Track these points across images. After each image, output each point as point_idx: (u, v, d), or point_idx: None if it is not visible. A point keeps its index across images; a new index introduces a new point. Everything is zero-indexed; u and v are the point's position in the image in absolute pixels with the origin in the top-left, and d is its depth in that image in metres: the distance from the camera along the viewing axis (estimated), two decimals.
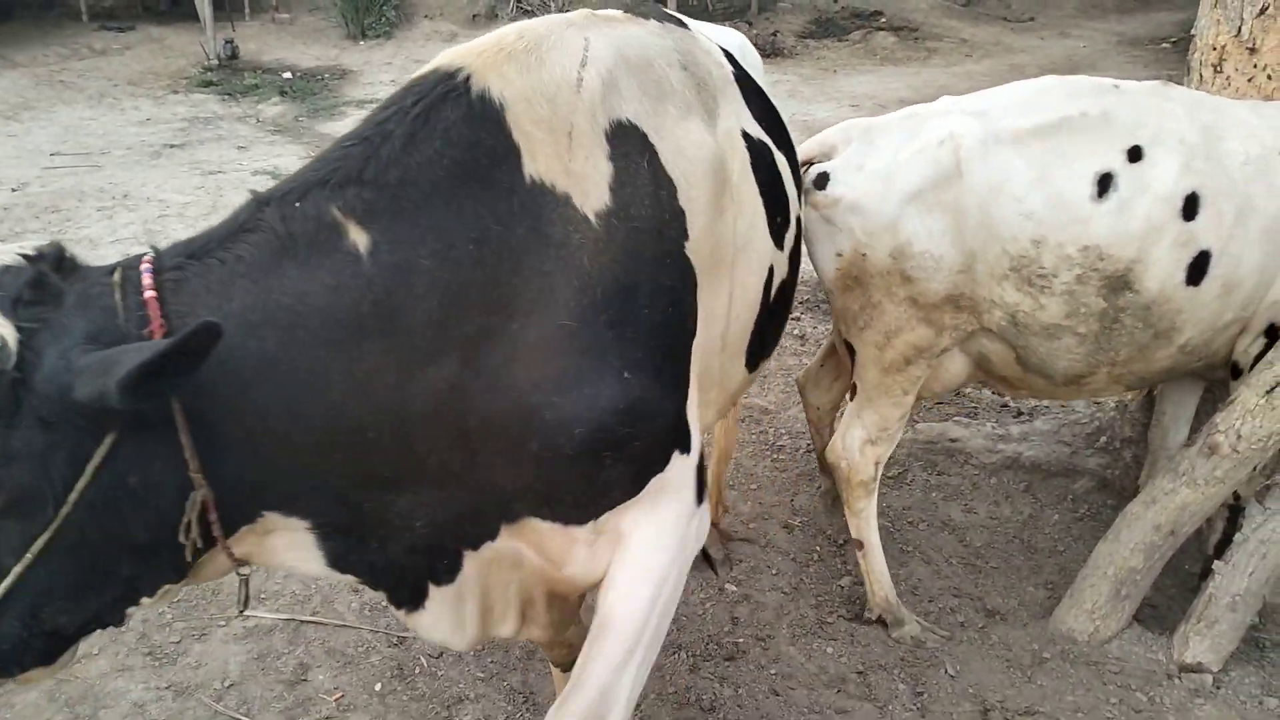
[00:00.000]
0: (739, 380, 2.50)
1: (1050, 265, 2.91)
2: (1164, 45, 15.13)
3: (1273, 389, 2.87)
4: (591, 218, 1.80)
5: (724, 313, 2.20)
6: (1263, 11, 3.42)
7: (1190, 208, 2.85)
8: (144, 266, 1.61)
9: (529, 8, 15.12)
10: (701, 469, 2.10)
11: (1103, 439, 4.26)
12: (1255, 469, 2.99)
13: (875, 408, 3.28)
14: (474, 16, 14.67)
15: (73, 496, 1.53)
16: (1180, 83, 3.80)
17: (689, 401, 2.01)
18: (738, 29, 15.20)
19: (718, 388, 2.35)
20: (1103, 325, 2.97)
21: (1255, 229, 2.89)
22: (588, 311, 1.76)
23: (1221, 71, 3.56)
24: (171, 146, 9.60)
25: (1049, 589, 3.60)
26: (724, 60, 2.47)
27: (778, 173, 2.43)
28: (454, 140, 1.74)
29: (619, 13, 2.20)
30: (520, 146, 1.78)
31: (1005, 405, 4.92)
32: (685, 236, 1.96)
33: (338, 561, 1.88)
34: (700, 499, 2.11)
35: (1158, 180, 2.86)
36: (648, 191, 1.89)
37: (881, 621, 3.42)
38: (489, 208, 1.73)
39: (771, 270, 2.38)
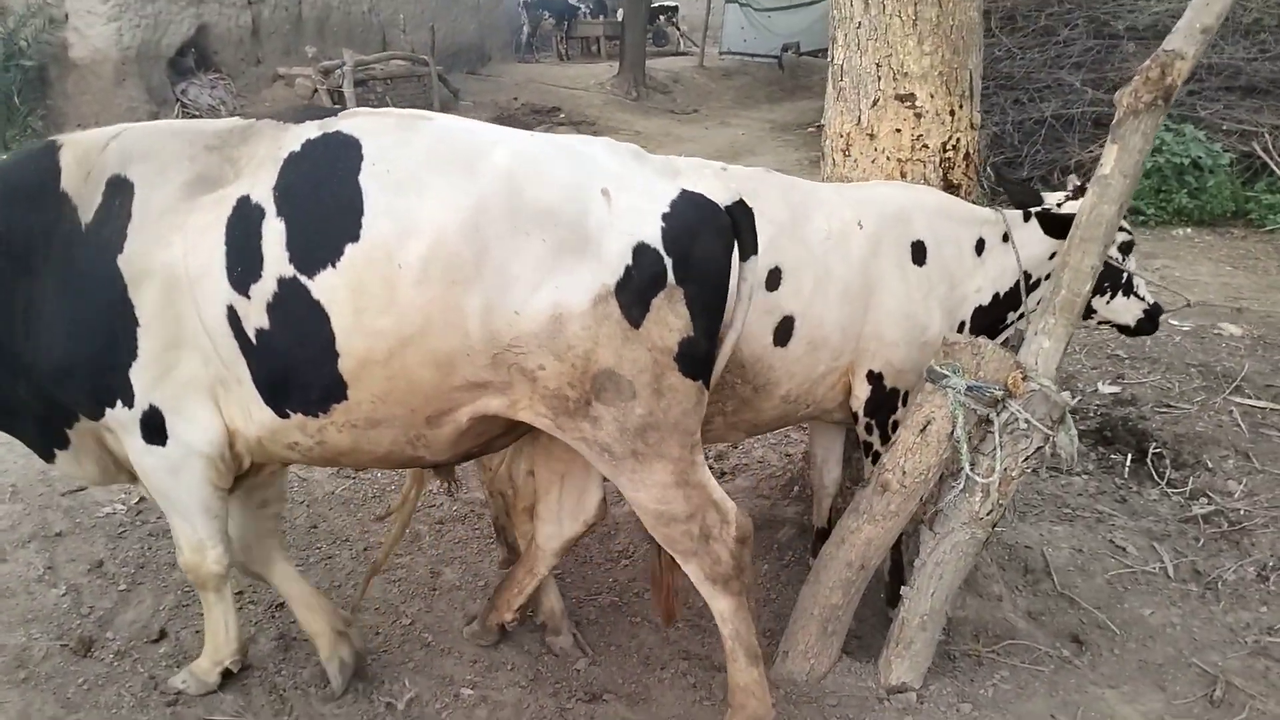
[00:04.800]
0: None
1: None
2: (810, 129, 16.96)
3: (925, 427, 3.26)
4: None
5: None
6: (875, 103, 3.94)
7: (774, 279, 3.29)
8: None
9: (194, 112, 14.43)
10: None
11: (796, 488, 4.62)
12: (921, 500, 3.36)
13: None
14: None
15: None
16: (817, 165, 4.30)
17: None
18: None
19: None
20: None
21: (833, 294, 3.38)
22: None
23: (849, 155, 4.06)
24: None
25: (768, 636, 3.80)
26: None
27: None
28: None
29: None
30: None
31: (710, 466, 5.19)
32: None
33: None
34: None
35: None
36: None
37: (544, 626, 3.80)
38: None
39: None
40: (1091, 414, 5.63)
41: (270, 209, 2.68)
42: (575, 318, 2.65)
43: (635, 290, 2.69)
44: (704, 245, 2.77)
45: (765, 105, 20.52)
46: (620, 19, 21.92)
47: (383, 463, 3.03)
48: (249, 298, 2.68)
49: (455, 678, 3.55)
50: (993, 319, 3.71)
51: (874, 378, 3.51)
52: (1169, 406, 5.70)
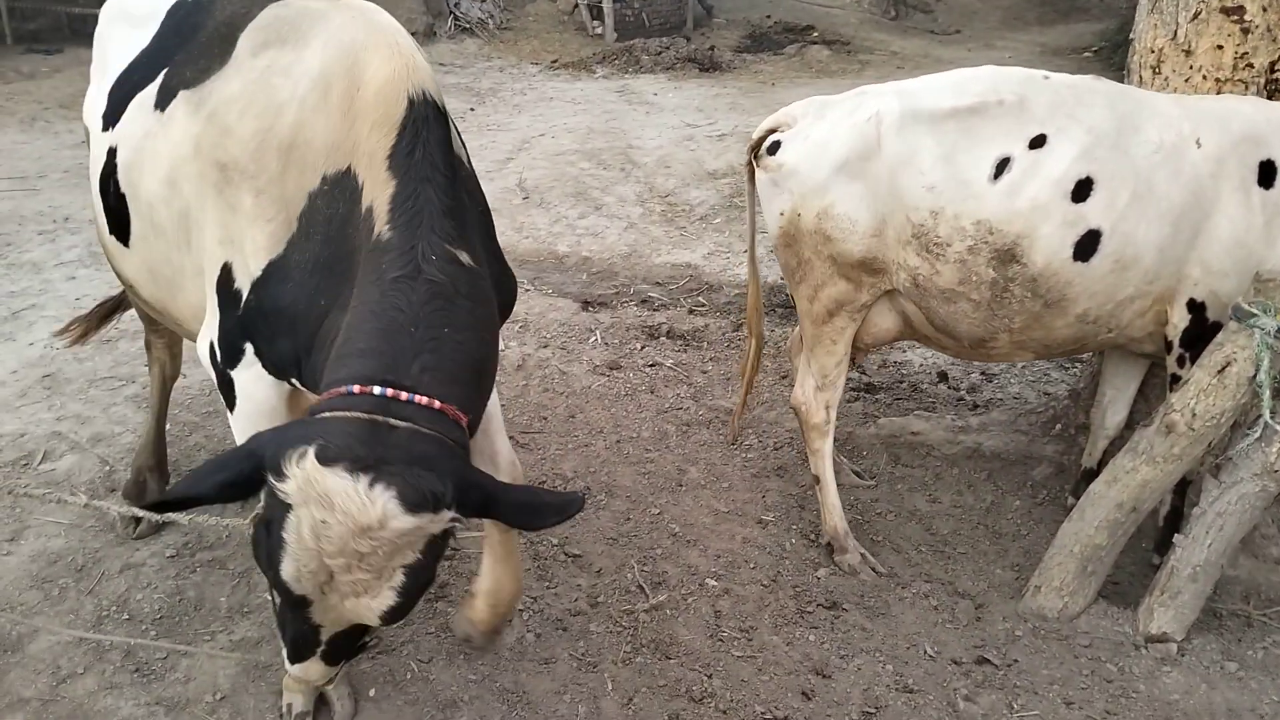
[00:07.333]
0: None
1: (945, 235, 3.21)
2: (1086, 54, 15.66)
3: (1224, 369, 3.04)
4: None
5: None
6: (1196, 16, 3.61)
7: (1082, 190, 3.13)
8: None
9: (465, 24, 15.15)
10: None
11: (1058, 426, 4.43)
12: (1209, 445, 3.15)
13: (816, 357, 3.66)
14: (413, 34, 14.65)
15: None
16: None
17: None
18: (674, 44, 14.91)
19: None
20: (994, 293, 3.26)
21: (1154, 212, 3.14)
22: None
23: (1160, 73, 3.75)
24: None
25: (1015, 570, 3.74)
26: None
27: None
28: None
29: None
30: None
31: (961, 399, 5.07)
32: None
33: None
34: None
35: (1051, 165, 3.14)
36: None
37: (830, 546, 3.78)
38: None
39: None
40: None
41: None
42: None
43: None
44: None
45: (1036, 27, 19.07)
46: None
47: None
48: None
49: (700, 568, 3.71)
50: None
51: (1195, 307, 3.26)
52: None
